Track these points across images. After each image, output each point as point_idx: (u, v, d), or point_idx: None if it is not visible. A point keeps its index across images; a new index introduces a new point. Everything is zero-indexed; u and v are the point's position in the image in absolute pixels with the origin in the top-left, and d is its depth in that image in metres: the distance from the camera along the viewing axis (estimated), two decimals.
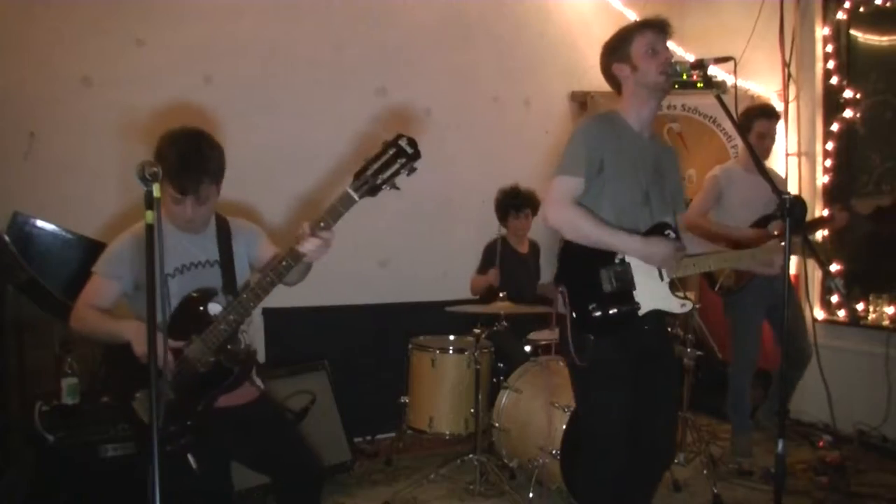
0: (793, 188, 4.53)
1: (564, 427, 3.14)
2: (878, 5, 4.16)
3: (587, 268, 2.26)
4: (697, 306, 3.57)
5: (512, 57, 4.78)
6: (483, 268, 4.17)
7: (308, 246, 2.03)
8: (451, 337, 3.84)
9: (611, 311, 2.24)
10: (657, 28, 2.34)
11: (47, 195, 3.42)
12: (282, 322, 3.98)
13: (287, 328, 4.01)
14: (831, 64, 4.42)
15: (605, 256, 2.27)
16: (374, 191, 1.99)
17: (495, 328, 3.76)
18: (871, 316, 4.17)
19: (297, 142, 4.09)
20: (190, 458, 2.11)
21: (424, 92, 4.49)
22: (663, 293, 2.32)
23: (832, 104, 4.43)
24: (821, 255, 4.21)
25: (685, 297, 2.35)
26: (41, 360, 2.91)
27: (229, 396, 2.24)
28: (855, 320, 4.23)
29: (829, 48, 4.42)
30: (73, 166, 3.54)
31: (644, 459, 2.41)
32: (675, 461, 3.47)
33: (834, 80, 4.41)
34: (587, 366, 2.24)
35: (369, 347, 4.21)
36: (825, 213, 4.30)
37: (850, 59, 4.36)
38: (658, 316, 2.34)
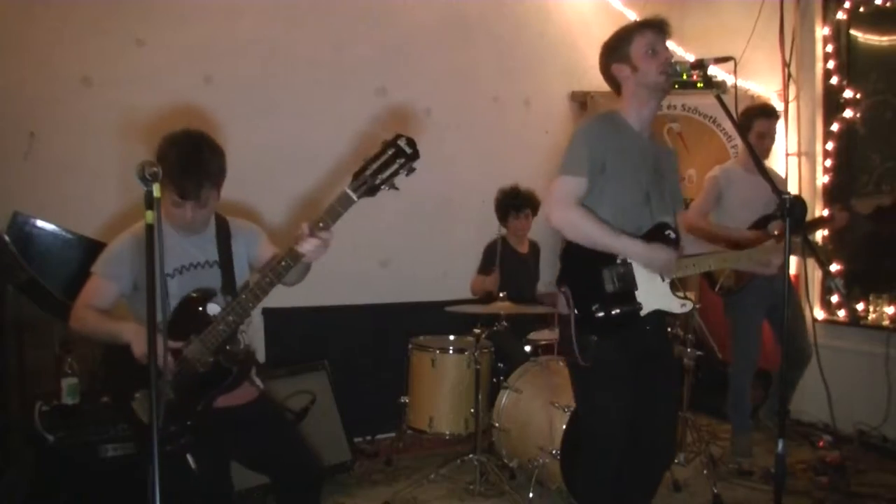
0: (793, 188, 4.53)
1: (564, 427, 3.14)
2: (878, 5, 4.16)
3: (590, 268, 2.26)
4: (697, 306, 3.57)
5: (512, 57, 4.78)
6: (483, 268, 4.17)
7: (307, 246, 2.03)
8: (451, 337, 3.84)
9: (613, 312, 2.24)
10: (656, 28, 2.34)
11: (47, 195, 3.42)
12: (282, 322, 3.98)
13: (287, 328, 4.01)
14: (831, 64, 4.42)
15: (608, 257, 2.27)
16: (372, 191, 1.98)
17: (495, 328, 3.76)
18: (871, 316, 4.17)
19: (297, 142, 4.09)
20: (189, 458, 2.11)
21: (424, 92, 4.49)
22: (664, 293, 2.32)
23: (832, 104, 4.43)
24: (821, 255, 4.21)
25: (685, 297, 2.35)
26: (41, 360, 2.90)
27: (229, 396, 2.24)
28: (855, 320, 4.23)
29: (829, 48, 4.42)
30: (73, 166, 3.53)
31: (644, 459, 2.41)
32: (675, 461, 3.47)
33: (834, 80, 4.41)
34: (590, 366, 2.24)
35: (369, 347, 4.21)
36: (825, 213, 4.30)
37: (850, 59, 4.36)
38: (658, 316, 2.34)
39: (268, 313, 3.94)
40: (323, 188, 4.09)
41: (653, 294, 2.30)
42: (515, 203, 4.18)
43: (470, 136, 4.64)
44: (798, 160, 4.65)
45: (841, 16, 4.36)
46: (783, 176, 4.38)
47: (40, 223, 3.02)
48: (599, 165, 2.26)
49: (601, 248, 2.24)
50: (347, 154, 4.17)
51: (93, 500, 2.63)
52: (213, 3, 3.88)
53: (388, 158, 1.97)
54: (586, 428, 2.46)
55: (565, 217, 2.25)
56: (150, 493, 1.50)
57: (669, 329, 3.12)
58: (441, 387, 3.59)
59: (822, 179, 4.50)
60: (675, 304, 2.32)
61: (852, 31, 4.34)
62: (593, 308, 2.24)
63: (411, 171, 2.00)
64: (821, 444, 3.90)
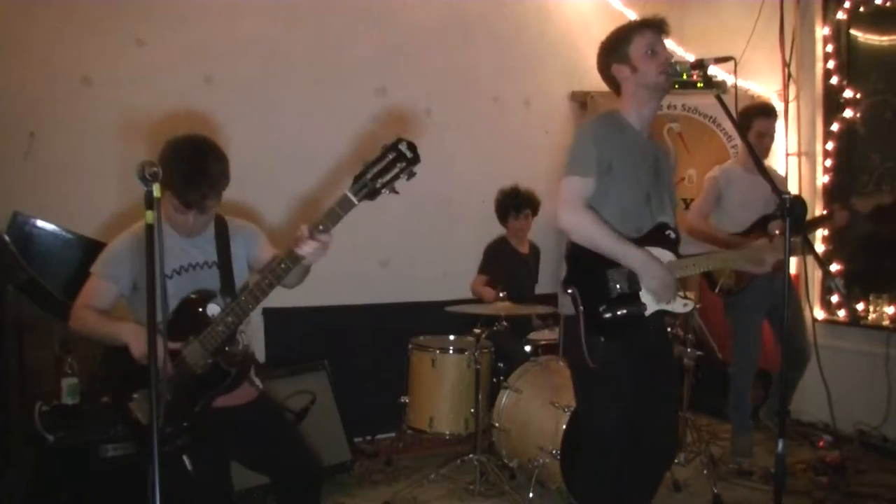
0: (793, 188, 4.53)
1: (564, 427, 3.14)
2: (878, 5, 4.16)
3: (596, 269, 2.25)
4: (698, 306, 3.57)
5: (512, 57, 4.78)
6: (483, 268, 4.17)
7: (306, 249, 2.03)
8: (451, 337, 3.84)
9: (619, 313, 2.24)
10: (656, 28, 2.34)
11: (47, 195, 3.42)
12: (282, 322, 3.98)
13: (287, 328, 4.01)
14: (831, 64, 4.42)
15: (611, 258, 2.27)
16: (373, 194, 1.98)
17: (495, 328, 3.76)
18: (871, 316, 4.17)
19: (297, 142, 4.09)
20: (185, 459, 2.10)
21: (424, 92, 4.49)
22: None
23: (832, 104, 4.43)
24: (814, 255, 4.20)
25: (686, 297, 2.35)
26: (41, 360, 2.90)
27: (228, 397, 2.24)
28: (855, 320, 4.22)
29: (830, 48, 4.42)
30: (73, 166, 3.53)
31: (644, 459, 2.41)
32: (675, 461, 3.47)
33: (834, 80, 4.41)
34: (597, 367, 2.23)
35: (369, 347, 4.21)
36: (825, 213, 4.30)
37: (850, 59, 4.35)
38: (659, 316, 2.35)
39: (268, 313, 3.94)
40: (323, 188, 4.09)
41: None
42: (515, 203, 4.19)
43: (470, 136, 4.64)
44: (798, 160, 4.65)
45: (841, 16, 4.36)
46: (783, 175, 4.38)
47: (40, 223, 3.01)
48: (606, 166, 2.25)
49: (604, 254, 2.24)
50: (347, 154, 4.17)
51: (93, 500, 2.63)
52: (213, 3, 3.88)
53: (389, 162, 1.97)
54: (587, 428, 2.46)
55: (574, 220, 2.24)
56: (150, 493, 1.50)
57: (669, 329, 3.12)
58: (441, 387, 3.59)
59: (822, 179, 4.50)
60: (677, 304, 2.32)
61: (852, 31, 4.34)
62: (600, 309, 2.23)
63: (412, 175, 1.99)
64: (821, 444, 3.90)
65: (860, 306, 4.26)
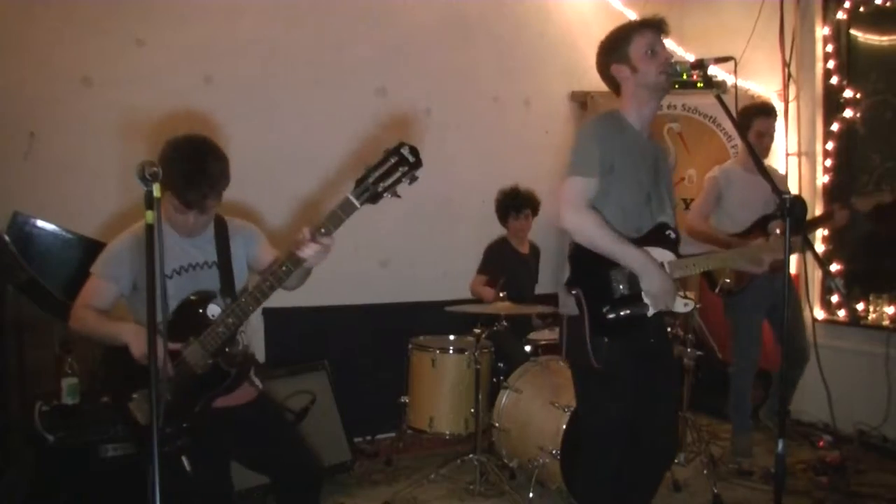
0: (793, 188, 4.53)
1: (564, 427, 3.14)
2: (878, 5, 4.16)
3: (599, 270, 2.25)
4: (698, 306, 3.57)
5: (512, 57, 4.78)
6: (483, 268, 4.17)
7: (308, 251, 2.03)
8: (451, 337, 3.85)
9: (622, 313, 2.24)
10: (655, 28, 2.33)
11: (47, 195, 3.42)
12: (282, 322, 3.98)
13: (287, 328, 4.01)
14: (831, 64, 4.42)
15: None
16: (375, 198, 1.99)
17: (495, 328, 3.76)
18: (871, 316, 4.17)
19: (297, 142, 4.09)
20: (184, 460, 2.10)
21: (424, 92, 4.49)
22: None
23: (832, 104, 4.43)
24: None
25: (686, 297, 2.35)
26: (41, 360, 2.90)
27: (228, 397, 2.24)
28: (855, 320, 4.22)
29: (830, 48, 4.42)
30: (73, 166, 3.53)
31: (644, 459, 2.41)
32: (675, 461, 3.47)
33: (834, 80, 4.41)
34: (601, 368, 2.22)
35: (369, 347, 4.21)
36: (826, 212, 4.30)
37: (850, 59, 4.36)
38: (659, 316, 2.35)
39: (268, 313, 3.94)
40: (323, 188, 4.09)
41: None
42: (516, 203, 4.19)
43: (470, 136, 4.64)
44: (798, 160, 4.65)
45: (841, 16, 4.36)
46: (784, 174, 4.37)
47: (40, 223, 3.01)
48: (608, 166, 2.25)
49: (606, 256, 2.23)
50: (347, 154, 4.17)
51: (93, 500, 2.63)
52: (213, 3, 3.88)
53: (391, 166, 1.98)
54: (587, 428, 2.46)
55: (577, 220, 2.23)
56: (150, 493, 1.50)
57: (669, 329, 3.12)
58: (441, 387, 3.59)
59: (822, 179, 4.50)
60: (678, 304, 2.32)
61: (852, 31, 4.34)
62: (604, 310, 2.23)
63: (414, 179, 2.00)
64: (821, 444, 3.90)
65: (860, 306, 4.26)
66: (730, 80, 4.46)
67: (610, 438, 2.33)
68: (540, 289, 4.40)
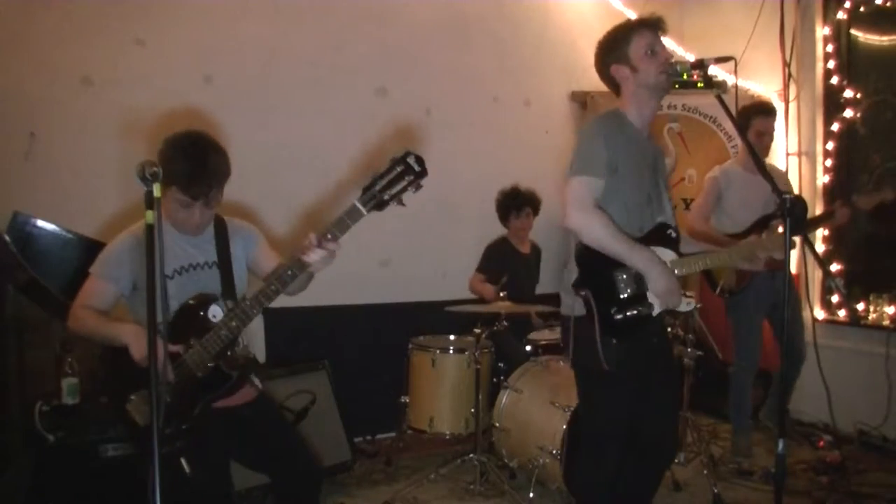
0: (793, 188, 4.52)
1: (564, 427, 3.14)
2: (878, 5, 4.16)
3: (605, 271, 2.25)
4: (698, 306, 3.57)
5: (512, 57, 4.78)
6: (483, 267, 4.17)
7: (314, 256, 2.05)
8: (452, 337, 3.85)
9: (629, 314, 2.23)
10: (654, 27, 2.33)
11: (47, 195, 3.42)
12: (282, 322, 3.97)
13: (287, 328, 4.01)
14: (831, 64, 4.42)
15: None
16: (381, 205, 2.02)
17: (495, 328, 3.76)
18: (872, 316, 4.17)
19: (297, 142, 4.09)
20: (183, 462, 2.10)
21: (424, 92, 4.49)
22: None
23: (832, 104, 4.43)
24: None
25: (687, 296, 2.35)
26: (41, 360, 2.90)
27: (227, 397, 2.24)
28: (855, 320, 4.22)
29: (830, 48, 4.42)
30: (73, 166, 3.53)
31: (644, 459, 2.41)
32: (675, 461, 3.47)
33: (834, 80, 4.41)
34: (611, 369, 2.21)
35: (369, 347, 4.21)
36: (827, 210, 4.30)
37: (850, 59, 4.36)
38: (661, 316, 2.35)
39: (268, 313, 3.85)
40: (322, 188, 4.10)
41: None
42: (516, 203, 4.19)
43: (470, 137, 4.64)
44: (798, 160, 4.65)
45: (841, 16, 4.36)
46: (785, 172, 4.36)
47: (40, 223, 3.01)
48: (613, 166, 2.24)
49: (613, 256, 2.23)
50: (347, 154, 4.17)
51: (93, 500, 2.63)
52: (213, 3, 3.88)
53: (397, 175, 2.01)
54: (589, 427, 2.46)
55: (584, 220, 2.21)
56: (150, 493, 1.50)
57: (669, 329, 3.12)
58: (441, 387, 3.59)
59: (823, 179, 4.50)
60: (681, 303, 2.32)
61: (852, 31, 4.34)
62: (612, 311, 2.23)
63: (419, 187, 2.03)
64: (821, 444, 3.90)
65: (860, 306, 4.26)
66: (730, 80, 4.47)
67: (611, 438, 2.33)
68: (541, 288, 4.40)
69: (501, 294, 3.72)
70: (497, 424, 3.53)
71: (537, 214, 4.26)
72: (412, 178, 2.00)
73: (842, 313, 4.37)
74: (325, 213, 4.02)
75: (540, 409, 3.33)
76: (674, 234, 2.37)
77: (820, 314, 4.42)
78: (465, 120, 4.62)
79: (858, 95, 4.30)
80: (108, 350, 2.19)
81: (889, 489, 3.45)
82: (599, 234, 2.20)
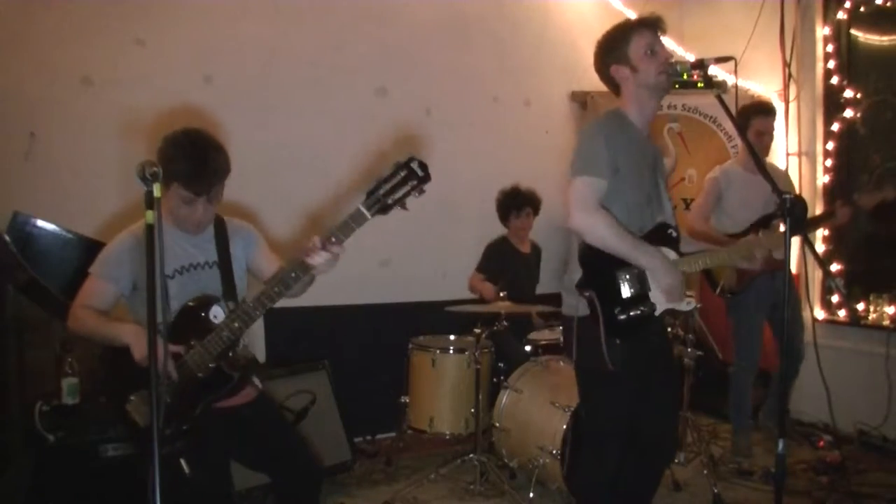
0: (795, 187, 4.52)
1: (564, 427, 3.14)
2: (878, 5, 4.16)
3: (609, 271, 2.25)
4: (698, 306, 3.58)
5: (512, 57, 4.78)
6: (482, 267, 4.17)
7: (318, 259, 2.06)
8: (452, 337, 3.85)
9: (632, 314, 2.24)
10: (653, 26, 2.33)
11: (47, 195, 3.42)
12: (282, 322, 3.95)
13: (287, 328, 4.00)
14: (832, 64, 4.42)
15: (622, 259, 2.26)
16: (385, 209, 2.04)
17: (495, 328, 3.76)
18: (872, 316, 4.17)
19: (297, 142, 4.09)
20: (182, 462, 2.10)
21: (424, 92, 4.49)
22: None
23: (832, 104, 4.43)
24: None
25: (688, 295, 2.36)
26: (41, 360, 2.90)
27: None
28: (855, 320, 4.22)
29: (830, 48, 4.42)
30: (73, 166, 3.53)
31: (644, 459, 2.41)
32: (675, 461, 3.48)
33: (834, 80, 4.41)
34: (616, 369, 2.21)
35: (369, 347, 4.21)
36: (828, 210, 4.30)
37: (850, 59, 4.36)
38: (662, 316, 2.34)
39: (268, 313, 3.84)
40: (323, 188, 4.09)
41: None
42: (516, 202, 4.19)
43: (470, 136, 4.64)
44: (798, 160, 4.65)
45: (841, 16, 4.36)
46: (786, 171, 4.36)
47: (40, 223, 3.01)
48: (615, 166, 2.24)
49: (619, 255, 2.23)
50: (347, 154, 4.17)
51: (93, 500, 2.63)
52: (213, 3, 3.88)
53: (401, 180, 2.02)
54: (590, 427, 2.46)
55: (588, 221, 2.21)
56: (150, 493, 1.50)
57: (669, 329, 3.12)
58: (441, 387, 3.59)
59: (823, 179, 4.50)
60: (682, 303, 2.32)
61: (852, 31, 4.34)
62: (616, 311, 2.23)
63: (422, 192, 2.05)
64: (821, 444, 3.90)
65: (860, 306, 4.26)
66: (730, 80, 4.47)
67: (612, 437, 2.33)
68: (541, 288, 4.40)
69: (501, 294, 3.72)
70: (497, 424, 3.53)
71: (537, 214, 4.26)
72: (415, 182, 2.03)
73: (842, 313, 4.37)
74: (325, 212, 4.02)
75: (540, 409, 3.33)
76: (674, 234, 2.37)
77: (820, 314, 4.42)
78: (465, 120, 4.62)
79: (858, 95, 4.30)
80: (108, 350, 2.19)
81: (889, 489, 3.45)
82: (604, 234, 2.20)
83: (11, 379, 2.86)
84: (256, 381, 2.37)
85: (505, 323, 3.79)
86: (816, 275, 4.41)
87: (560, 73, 4.91)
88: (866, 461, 3.80)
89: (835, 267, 4.35)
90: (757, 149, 3.56)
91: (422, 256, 4.52)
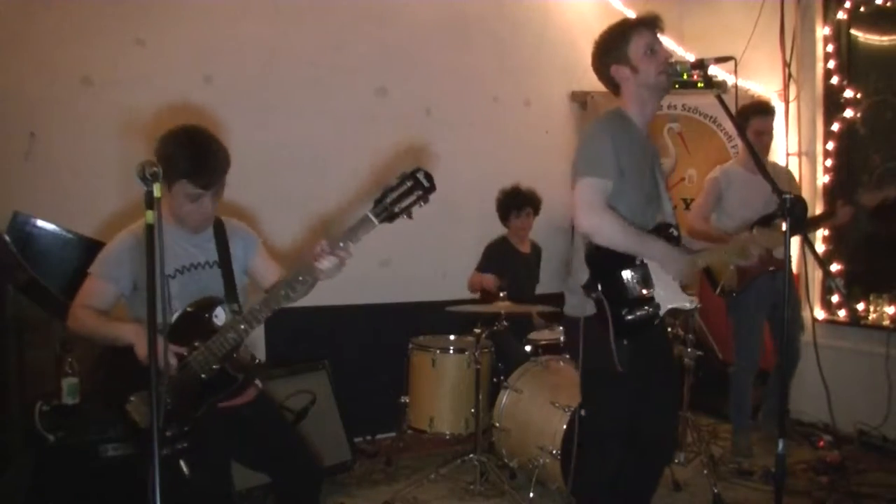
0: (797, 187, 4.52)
1: (564, 427, 3.14)
2: (878, 5, 4.16)
3: (615, 272, 2.25)
4: (699, 306, 3.58)
5: (512, 57, 4.78)
6: (482, 266, 4.17)
7: (326, 263, 2.08)
8: (452, 337, 3.85)
9: (639, 314, 2.24)
10: (652, 26, 2.33)
11: (47, 195, 3.42)
12: (282, 322, 3.92)
13: (287, 328, 3.99)
14: (832, 64, 4.42)
15: (629, 259, 2.26)
16: (392, 218, 2.09)
17: (495, 328, 3.75)
18: (872, 316, 4.17)
19: (297, 142, 4.09)
20: (182, 464, 2.10)
21: (424, 92, 4.49)
22: (676, 291, 2.33)
23: (832, 104, 4.43)
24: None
25: (691, 294, 2.36)
26: (41, 360, 2.90)
27: None
28: (855, 320, 4.22)
29: (830, 48, 4.42)
30: (73, 166, 3.53)
31: (644, 459, 2.41)
32: (675, 461, 3.48)
33: (834, 80, 4.41)
34: (624, 370, 2.21)
35: (369, 347, 4.21)
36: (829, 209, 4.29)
37: (850, 59, 4.35)
38: (662, 317, 2.34)
39: None
40: (322, 188, 4.09)
41: (668, 293, 2.31)
42: (517, 202, 4.19)
43: (470, 136, 4.63)
44: (798, 160, 4.65)
45: (841, 16, 4.36)
46: (787, 170, 4.35)
47: (40, 223, 3.01)
48: (621, 167, 2.24)
49: (629, 252, 2.23)
50: (347, 154, 4.17)
51: (93, 500, 2.63)
52: (213, 3, 3.88)
53: (407, 190, 2.08)
54: (592, 428, 2.45)
55: (597, 222, 2.20)
56: (150, 493, 1.50)
57: (669, 329, 3.12)
58: (441, 387, 3.59)
59: (823, 179, 4.50)
60: (685, 302, 2.33)
61: (853, 31, 4.34)
62: (623, 312, 2.23)
63: (426, 201, 2.11)
64: (821, 444, 3.90)
65: (860, 306, 4.26)
66: (730, 80, 4.47)
67: (613, 437, 2.33)
68: (541, 288, 4.40)
69: (501, 294, 3.71)
70: (497, 424, 3.52)
71: (538, 214, 4.26)
72: (421, 192, 2.08)
73: (842, 313, 4.37)
74: (325, 212, 4.02)
75: (540, 409, 3.33)
76: (675, 233, 2.38)
77: (820, 314, 4.42)
78: (465, 120, 4.62)
79: (858, 95, 4.30)
80: (108, 350, 2.19)
81: (889, 489, 3.45)
82: (612, 233, 2.20)
83: (11, 379, 2.86)
84: (257, 381, 2.37)
85: (505, 323, 3.78)
86: (816, 275, 4.41)
87: (560, 73, 4.91)
88: (866, 461, 3.80)
89: (835, 267, 4.35)
90: (757, 148, 3.55)
91: (422, 256, 4.52)
